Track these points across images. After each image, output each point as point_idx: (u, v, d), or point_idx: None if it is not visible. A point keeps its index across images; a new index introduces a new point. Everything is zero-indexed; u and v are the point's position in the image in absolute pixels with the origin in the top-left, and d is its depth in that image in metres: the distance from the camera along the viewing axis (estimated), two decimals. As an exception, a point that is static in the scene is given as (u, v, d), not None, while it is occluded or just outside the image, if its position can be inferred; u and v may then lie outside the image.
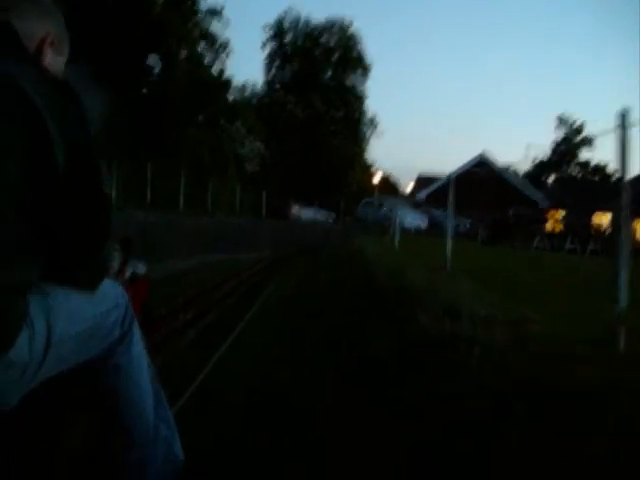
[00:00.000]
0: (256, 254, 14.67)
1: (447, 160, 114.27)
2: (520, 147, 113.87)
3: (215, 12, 20.30)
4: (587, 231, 28.80)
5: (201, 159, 21.12)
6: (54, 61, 1.45)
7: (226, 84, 22.51)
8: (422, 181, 45.68)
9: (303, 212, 31.40)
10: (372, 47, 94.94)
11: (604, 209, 36.50)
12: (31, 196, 1.20)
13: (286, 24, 43.36)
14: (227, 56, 21.62)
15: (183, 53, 19.11)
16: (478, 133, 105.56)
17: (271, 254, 14.80)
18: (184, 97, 18.01)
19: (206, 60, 21.34)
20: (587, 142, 51.98)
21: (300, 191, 33.88)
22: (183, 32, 17.80)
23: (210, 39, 20.54)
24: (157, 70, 18.68)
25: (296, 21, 43.29)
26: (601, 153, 55.48)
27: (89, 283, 1.35)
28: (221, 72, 21.99)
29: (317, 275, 8.92)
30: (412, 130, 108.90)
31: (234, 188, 23.85)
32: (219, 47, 20.99)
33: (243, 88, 40.25)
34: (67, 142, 1.22)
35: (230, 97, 25.75)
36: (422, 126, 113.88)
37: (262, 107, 38.39)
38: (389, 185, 60.35)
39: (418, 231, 25.63)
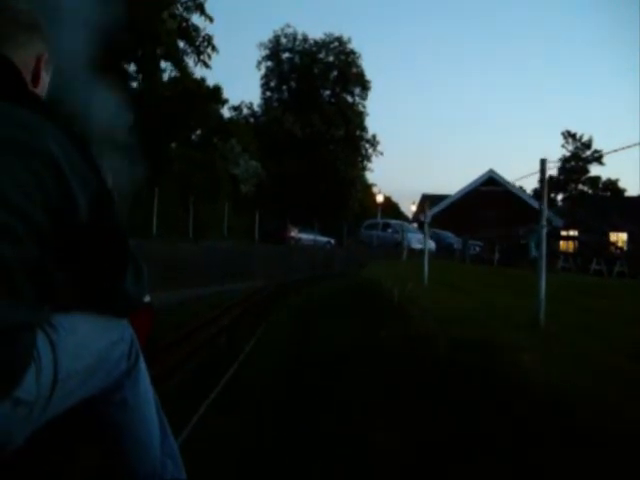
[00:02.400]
0: (247, 285, 12.41)
1: (450, 180, 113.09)
2: (527, 164, 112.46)
3: (196, 2, 17.63)
4: (607, 251, 27.25)
5: (190, 178, 19.01)
6: (45, 80, 1.41)
7: (215, 92, 19.91)
8: (427, 201, 43.46)
9: (302, 235, 29.18)
10: (371, 65, 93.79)
11: (620, 229, 34.77)
12: (52, 240, 1.20)
13: (282, 41, 41.77)
14: (212, 52, 18.66)
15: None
16: (482, 152, 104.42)
17: (266, 285, 12.52)
18: (165, 104, 15.74)
19: (190, 66, 18.74)
20: (597, 157, 49.99)
21: (298, 213, 31.69)
22: (158, 26, 15.22)
23: (191, 33, 17.71)
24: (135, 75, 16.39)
25: (293, 38, 41.70)
26: (611, 168, 53.85)
27: (120, 310, 1.39)
28: (216, 87, 19.57)
29: (321, 324, 6.46)
30: (412, 150, 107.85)
31: (223, 210, 21.50)
32: (202, 41, 18.17)
33: (239, 107, 38.49)
34: (86, 190, 1.24)
35: (225, 114, 23.48)
36: (422, 147, 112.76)
37: (259, 126, 36.55)
38: (391, 206, 58.50)
39: (431, 254, 23.57)
